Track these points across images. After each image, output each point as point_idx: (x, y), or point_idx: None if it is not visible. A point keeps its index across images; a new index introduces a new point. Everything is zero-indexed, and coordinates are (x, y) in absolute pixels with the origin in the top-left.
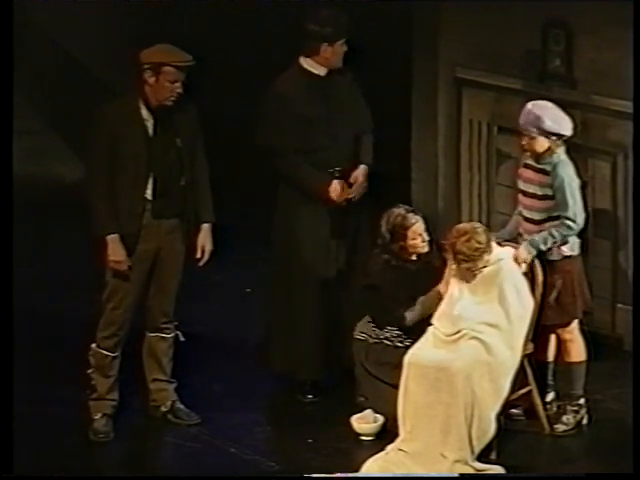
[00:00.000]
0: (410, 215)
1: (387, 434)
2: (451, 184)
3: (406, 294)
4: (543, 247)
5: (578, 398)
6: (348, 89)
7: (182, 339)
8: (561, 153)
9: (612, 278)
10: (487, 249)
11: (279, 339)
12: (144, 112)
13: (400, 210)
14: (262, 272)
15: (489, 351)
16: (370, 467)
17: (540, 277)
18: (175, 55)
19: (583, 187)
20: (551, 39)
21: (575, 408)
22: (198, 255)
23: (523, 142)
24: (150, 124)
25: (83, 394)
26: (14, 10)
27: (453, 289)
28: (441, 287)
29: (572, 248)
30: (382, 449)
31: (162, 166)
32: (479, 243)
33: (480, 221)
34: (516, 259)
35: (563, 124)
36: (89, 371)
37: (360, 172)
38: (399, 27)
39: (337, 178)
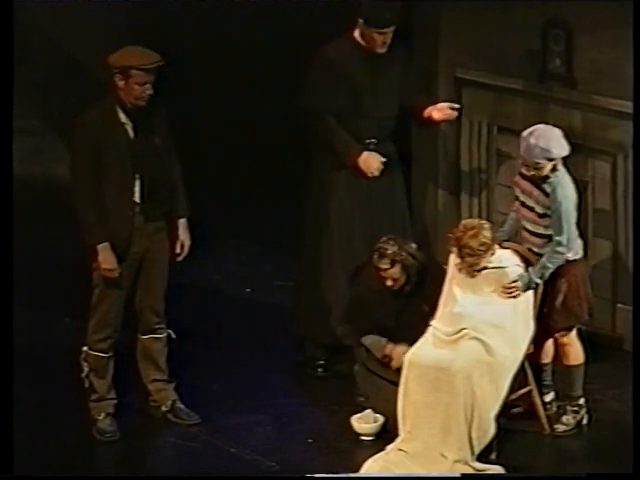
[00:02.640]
0: (384, 261)
1: (387, 434)
2: (451, 184)
3: (377, 315)
4: (540, 281)
5: (578, 399)
6: (398, 67)
7: (173, 337)
8: (561, 169)
9: (612, 278)
10: (492, 246)
11: (308, 306)
12: (122, 116)
13: (381, 247)
14: (262, 271)
15: (489, 351)
16: (370, 467)
17: None
18: (142, 58)
19: (584, 188)
20: (551, 39)
21: (575, 408)
22: (177, 250)
23: (531, 172)
24: (129, 127)
25: (82, 394)
26: (14, 10)
27: (454, 289)
28: (388, 350)
29: (576, 252)
30: (382, 449)
31: (146, 167)
32: (485, 238)
33: None
34: (509, 288)
35: (565, 145)
36: (84, 374)
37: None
38: (399, 27)
39: (371, 150)
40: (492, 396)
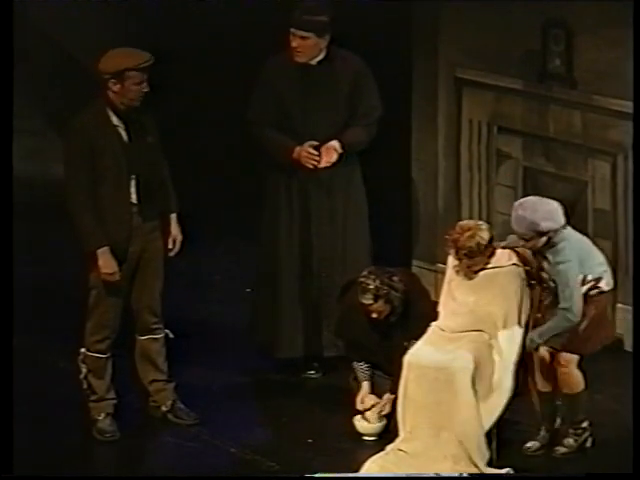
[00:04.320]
0: (366, 296)
1: (387, 434)
2: (451, 184)
3: (363, 337)
4: (542, 340)
5: (580, 422)
6: (340, 83)
7: (171, 336)
8: (562, 233)
9: (612, 278)
10: (489, 247)
11: (263, 319)
12: (114, 118)
13: (363, 282)
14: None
15: (489, 351)
16: (370, 467)
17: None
18: (136, 58)
19: (584, 188)
20: (551, 39)
21: (578, 432)
22: (170, 246)
23: (526, 245)
24: (122, 129)
25: (82, 394)
26: (14, 10)
27: (453, 290)
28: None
29: (608, 283)
30: (382, 449)
31: (141, 167)
32: (482, 239)
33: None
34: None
35: (556, 217)
36: (82, 375)
37: (332, 143)
38: (399, 27)
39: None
40: (492, 396)
